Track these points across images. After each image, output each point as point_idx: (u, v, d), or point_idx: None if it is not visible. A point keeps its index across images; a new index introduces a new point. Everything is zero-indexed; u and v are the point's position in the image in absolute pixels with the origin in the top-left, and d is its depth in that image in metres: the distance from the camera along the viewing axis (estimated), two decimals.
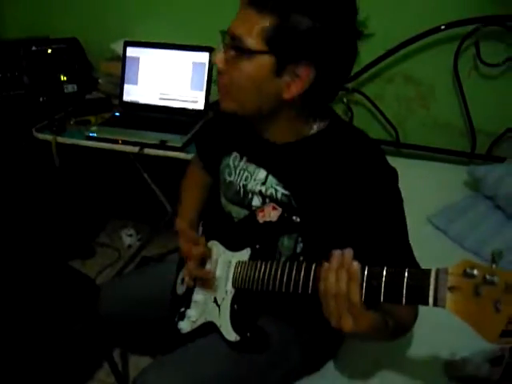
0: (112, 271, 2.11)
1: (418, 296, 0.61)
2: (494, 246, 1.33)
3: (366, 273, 0.69)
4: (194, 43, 1.78)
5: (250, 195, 1.01)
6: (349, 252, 0.73)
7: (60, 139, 1.69)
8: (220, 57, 0.87)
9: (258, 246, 0.98)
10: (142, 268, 1.92)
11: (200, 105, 1.78)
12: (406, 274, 0.64)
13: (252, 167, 1.01)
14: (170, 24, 1.99)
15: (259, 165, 1.00)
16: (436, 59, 1.76)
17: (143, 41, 1.86)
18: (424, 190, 1.56)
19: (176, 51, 1.79)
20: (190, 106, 1.79)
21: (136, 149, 1.61)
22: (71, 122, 1.78)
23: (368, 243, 0.87)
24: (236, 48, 0.84)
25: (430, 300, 0.59)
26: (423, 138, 1.87)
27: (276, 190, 0.96)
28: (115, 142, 1.65)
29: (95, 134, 1.66)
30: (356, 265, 0.70)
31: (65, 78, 1.98)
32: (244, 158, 1.03)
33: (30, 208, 1.97)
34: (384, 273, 0.66)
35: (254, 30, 0.81)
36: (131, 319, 1.23)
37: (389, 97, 1.88)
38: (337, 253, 0.74)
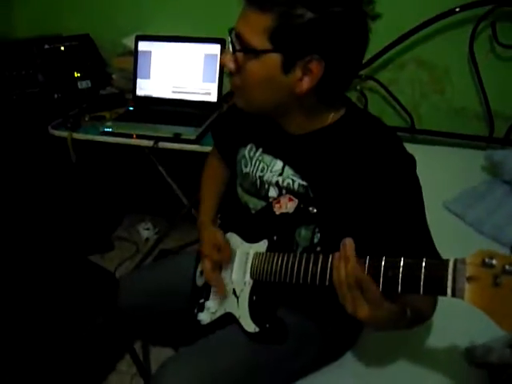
0: (131, 264, 2.14)
1: (436, 287, 0.61)
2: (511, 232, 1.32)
3: (383, 263, 0.69)
4: (206, 35, 1.78)
5: (266, 186, 1.01)
6: (348, 241, 0.74)
7: (75, 135, 1.71)
8: (228, 57, 0.87)
9: (275, 238, 0.98)
10: (160, 260, 1.94)
11: (213, 97, 1.78)
12: (424, 265, 0.63)
13: (268, 158, 1.01)
14: (181, 17, 1.98)
15: (276, 156, 1.00)
16: (450, 42, 1.73)
17: (154, 34, 1.86)
18: (441, 175, 1.54)
19: (187, 44, 1.79)
20: (203, 99, 1.79)
21: (151, 143, 1.62)
22: (86, 118, 1.80)
23: (387, 232, 0.87)
24: (243, 48, 0.83)
25: (449, 291, 0.59)
26: (439, 123, 1.85)
27: (293, 181, 0.96)
28: (130, 136, 1.66)
29: (110, 129, 1.67)
30: (349, 250, 0.73)
31: (78, 75, 1.99)
32: (260, 149, 1.03)
33: (49, 205, 2.00)
34: (401, 263, 0.66)
35: (258, 29, 0.80)
36: (151, 311, 1.25)
37: (403, 82, 1.85)
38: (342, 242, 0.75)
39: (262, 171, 1.02)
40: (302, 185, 0.95)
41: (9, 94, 1.93)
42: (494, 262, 0.54)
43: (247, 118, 1.04)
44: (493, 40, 1.66)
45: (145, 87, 1.86)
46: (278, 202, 0.99)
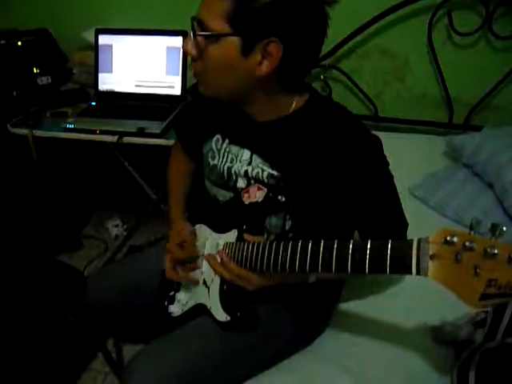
0: (100, 263, 2.10)
1: (402, 266, 0.62)
2: (473, 213, 1.37)
3: (350, 246, 0.71)
4: (167, 28, 1.75)
5: (234, 177, 1.02)
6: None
7: (36, 133, 1.66)
8: (190, 43, 0.87)
9: (244, 227, 0.99)
10: (128, 256, 1.92)
11: (177, 90, 1.76)
12: (389, 246, 0.65)
13: (236, 148, 1.01)
14: (141, 9, 1.95)
15: (243, 145, 1.00)
16: (410, 31, 1.77)
17: (115, 28, 1.82)
18: (404, 162, 1.57)
19: (149, 36, 1.76)
20: (167, 92, 1.77)
21: (115, 138, 1.59)
22: (47, 115, 1.75)
23: (360, 209, 0.92)
24: (203, 33, 0.84)
25: (413, 269, 0.61)
26: (401, 110, 1.89)
27: (262, 170, 0.97)
28: (93, 132, 1.63)
29: (73, 126, 1.63)
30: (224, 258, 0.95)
31: (38, 71, 1.93)
32: (226, 140, 1.04)
33: (13, 204, 1.95)
34: (368, 246, 0.68)
35: (216, 13, 0.81)
36: (121, 307, 1.24)
37: (365, 71, 1.88)
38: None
39: (230, 162, 1.02)
40: (272, 173, 0.96)
41: None
42: (455, 239, 0.56)
43: (212, 108, 1.05)
44: (449, 28, 1.71)
45: (107, 81, 1.82)
46: (247, 192, 1.00)
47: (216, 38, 0.83)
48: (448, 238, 0.56)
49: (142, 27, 1.79)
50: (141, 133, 1.58)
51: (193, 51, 0.87)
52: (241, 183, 1.01)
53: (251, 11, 0.80)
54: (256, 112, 0.96)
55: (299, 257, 0.79)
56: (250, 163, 0.99)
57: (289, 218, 0.99)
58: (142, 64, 1.78)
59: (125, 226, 2.30)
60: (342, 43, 1.80)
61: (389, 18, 1.74)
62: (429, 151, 1.71)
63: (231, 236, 1.00)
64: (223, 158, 1.03)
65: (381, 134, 0.95)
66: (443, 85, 1.79)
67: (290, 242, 0.82)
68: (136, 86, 1.80)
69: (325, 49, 1.01)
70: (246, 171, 0.99)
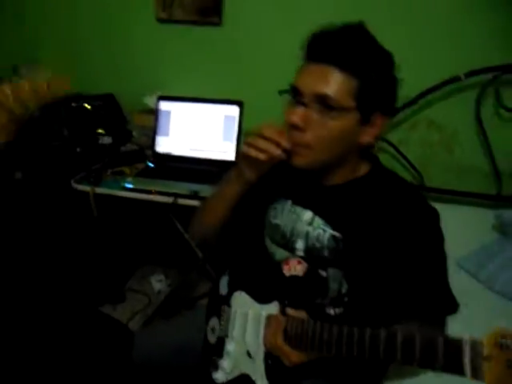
0: (143, 316, 2.14)
1: (454, 366, 0.62)
2: None
3: (399, 339, 0.70)
4: (224, 97, 1.87)
5: (294, 237, 1.04)
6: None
7: (97, 190, 1.77)
8: (300, 114, 0.90)
9: (286, 302, 0.98)
10: (174, 316, 1.94)
11: (230, 155, 1.85)
12: (440, 342, 0.64)
13: (298, 209, 1.04)
14: (200, 78, 2.09)
15: (306, 206, 1.03)
16: (458, 105, 1.81)
17: (175, 95, 1.96)
18: (451, 233, 1.57)
19: (207, 104, 1.88)
20: (221, 157, 1.87)
21: (170, 199, 1.67)
22: (108, 173, 1.87)
23: (411, 282, 0.93)
24: (325, 106, 0.88)
25: (468, 371, 0.60)
26: (448, 181, 1.90)
27: (324, 231, 0.99)
28: (149, 192, 1.72)
29: (131, 185, 1.74)
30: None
31: (101, 131, 2.08)
32: (290, 201, 1.07)
33: (67, 256, 2.04)
34: (417, 339, 0.67)
35: (344, 89, 0.87)
36: (165, 366, 1.25)
37: (413, 142, 1.92)
38: None
39: (292, 222, 1.04)
40: (333, 235, 0.98)
41: (33, 145, 2.02)
42: (508, 342, 0.56)
43: (277, 170, 1.05)
44: (497, 104, 1.74)
45: (164, 144, 1.95)
46: (287, 264, 1.02)
47: (340, 111, 0.88)
48: (500, 340, 0.57)
49: (201, 95, 1.92)
50: (194, 195, 1.65)
51: (302, 122, 0.90)
52: (299, 244, 1.03)
53: (375, 89, 0.88)
54: (327, 175, 1.00)
55: (346, 341, 0.79)
56: (311, 224, 1.01)
57: (345, 282, 0.99)
58: (197, 130, 1.89)
59: (168, 282, 2.35)
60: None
61: (438, 93, 1.79)
62: (477, 223, 1.70)
63: (273, 308, 1.00)
64: (285, 217, 1.06)
65: None
66: (491, 157, 1.80)
67: (337, 327, 0.81)
68: (191, 149, 1.91)
69: None
70: (307, 232, 1.01)
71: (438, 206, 1.74)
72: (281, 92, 0.94)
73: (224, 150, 1.86)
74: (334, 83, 0.87)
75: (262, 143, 0.93)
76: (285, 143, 0.92)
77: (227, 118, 1.85)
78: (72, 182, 1.83)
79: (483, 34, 1.69)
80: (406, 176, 1.95)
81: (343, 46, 0.88)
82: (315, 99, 0.89)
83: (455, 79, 1.73)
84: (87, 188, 1.78)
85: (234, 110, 1.83)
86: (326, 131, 0.90)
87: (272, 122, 0.95)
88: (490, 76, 1.70)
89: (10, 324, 1.68)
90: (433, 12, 1.74)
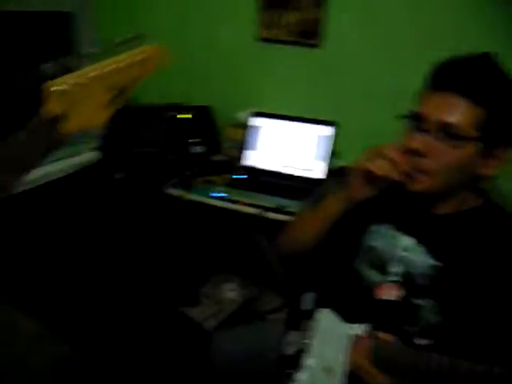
0: (213, 323, 2.19)
1: None
2: None
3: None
4: (318, 116, 1.91)
5: (391, 262, 1.03)
6: None
7: (189, 196, 1.86)
8: (421, 140, 0.91)
9: (375, 325, 0.98)
10: (250, 324, 1.97)
11: (318, 173, 1.88)
12: None
13: (400, 234, 1.03)
14: (296, 97, 2.14)
15: (409, 233, 1.02)
16: None
17: (268, 112, 2.03)
18: None
19: (300, 123, 1.93)
20: (308, 174, 1.90)
21: (258, 211, 1.72)
22: (198, 181, 1.95)
23: (506, 325, 0.90)
24: (447, 134, 0.89)
25: None
26: None
27: (425, 259, 0.98)
28: (236, 202, 1.78)
29: (220, 194, 1.81)
30: None
31: (194, 140, 2.18)
32: (392, 225, 1.06)
33: (152, 255, 2.14)
34: None
35: (468, 119, 0.88)
36: (237, 371, 1.27)
37: None
38: None
39: (391, 246, 1.04)
40: (434, 264, 0.97)
41: (132, 149, 2.15)
42: None
43: (384, 194, 1.05)
44: None
45: (253, 158, 2.01)
46: (380, 288, 1.02)
47: (463, 141, 0.89)
48: None
49: (295, 113, 1.97)
50: (279, 210, 1.69)
51: (423, 148, 0.91)
52: (396, 269, 1.02)
53: (501, 121, 0.88)
54: (437, 204, 1.00)
55: (436, 370, 0.78)
56: (411, 250, 1.01)
57: (439, 313, 0.97)
58: (289, 146, 1.95)
59: (241, 292, 2.39)
60: None
61: None
62: None
63: (361, 329, 1.00)
64: (385, 241, 1.05)
65: None
66: None
67: (437, 357, 0.81)
68: (279, 164, 1.96)
69: None
70: (406, 258, 1.01)
71: None
72: (400, 117, 0.95)
73: (313, 168, 1.89)
74: (459, 112, 0.88)
75: (383, 162, 0.94)
76: (405, 166, 0.93)
77: (321, 137, 1.88)
78: (164, 187, 1.93)
79: None
80: None
81: (470, 75, 0.88)
82: (438, 127, 0.90)
83: None
84: (179, 193, 1.87)
85: (327, 131, 1.86)
86: (447, 159, 0.90)
87: (394, 144, 0.96)
88: None
89: (100, 320, 1.77)
90: None
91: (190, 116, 2.18)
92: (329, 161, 1.86)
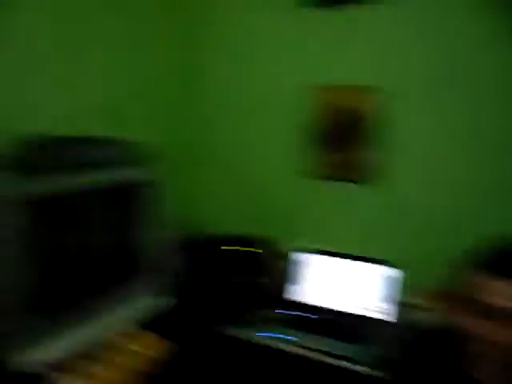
0: None
1: None
2: None
3: None
4: (371, 255, 1.92)
5: None
6: None
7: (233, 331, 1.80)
8: None
9: None
10: None
11: (384, 316, 1.84)
12: None
13: None
14: (345, 235, 2.12)
15: None
16: None
17: (312, 248, 2.04)
18: None
19: (362, 263, 1.93)
20: (371, 315, 1.86)
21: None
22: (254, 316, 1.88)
23: None
24: None
25: None
26: None
27: None
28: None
29: (293, 338, 1.75)
30: None
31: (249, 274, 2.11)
32: None
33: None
34: None
35: None
36: None
37: None
38: None
39: None
40: None
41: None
42: None
43: None
44: None
45: (299, 293, 1.99)
46: None
47: None
48: None
49: (343, 250, 1.98)
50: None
51: None
52: None
53: None
54: None
55: None
56: None
57: None
58: (341, 284, 1.94)
59: None
60: None
61: None
62: None
63: None
64: None
65: None
66: None
67: None
68: (333, 302, 1.93)
69: None
70: None
71: None
72: None
73: (378, 309, 1.86)
74: None
75: None
76: None
77: (386, 278, 1.88)
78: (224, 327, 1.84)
79: None
80: None
81: None
82: None
83: None
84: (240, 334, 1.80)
85: (393, 272, 1.87)
86: None
87: None
88: None
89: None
90: None
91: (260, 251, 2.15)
92: (398, 303, 1.83)
